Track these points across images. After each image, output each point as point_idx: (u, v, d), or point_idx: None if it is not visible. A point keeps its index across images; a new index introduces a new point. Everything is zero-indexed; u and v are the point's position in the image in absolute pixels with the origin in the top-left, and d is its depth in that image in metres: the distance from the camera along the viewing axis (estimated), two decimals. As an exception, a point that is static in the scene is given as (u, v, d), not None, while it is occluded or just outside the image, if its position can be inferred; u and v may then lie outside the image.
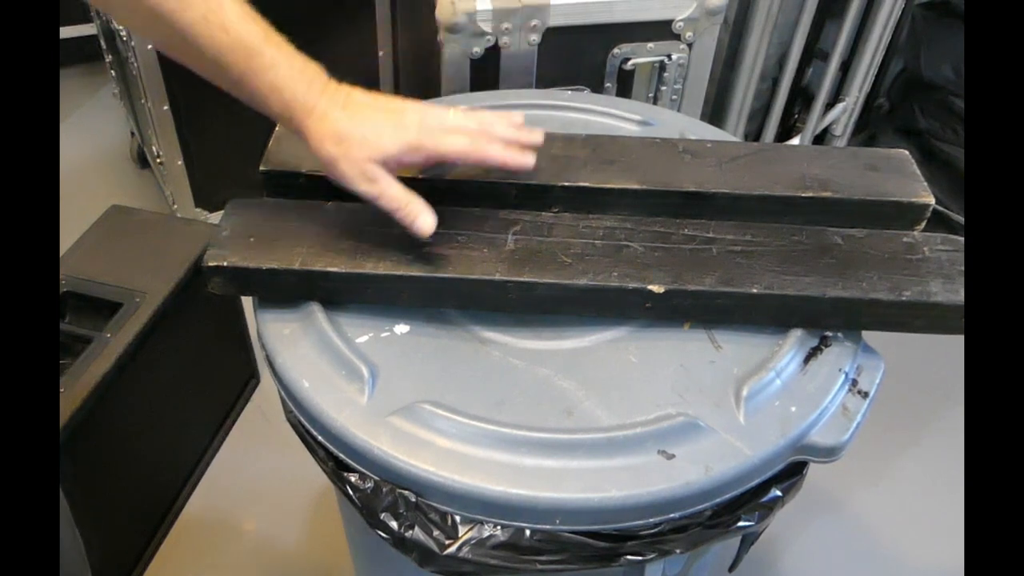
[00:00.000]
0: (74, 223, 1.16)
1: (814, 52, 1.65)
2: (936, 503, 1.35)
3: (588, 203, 0.71)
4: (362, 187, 0.62)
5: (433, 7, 1.02)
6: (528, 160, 0.66)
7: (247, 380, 1.46)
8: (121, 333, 1.07)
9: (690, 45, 1.12)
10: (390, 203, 0.62)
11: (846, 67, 1.67)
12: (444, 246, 0.66)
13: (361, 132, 0.61)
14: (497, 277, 0.63)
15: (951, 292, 0.63)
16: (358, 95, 0.64)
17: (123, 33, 1.45)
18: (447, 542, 0.57)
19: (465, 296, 0.65)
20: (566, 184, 0.71)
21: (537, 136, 0.69)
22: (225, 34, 0.59)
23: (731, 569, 0.83)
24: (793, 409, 0.61)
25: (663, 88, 1.16)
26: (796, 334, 0.65)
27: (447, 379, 0.62)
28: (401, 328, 0.66)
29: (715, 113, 1.56)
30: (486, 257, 0.65)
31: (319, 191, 0.71)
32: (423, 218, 0.62)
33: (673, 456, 0.57)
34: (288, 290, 0.66)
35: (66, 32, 2.05)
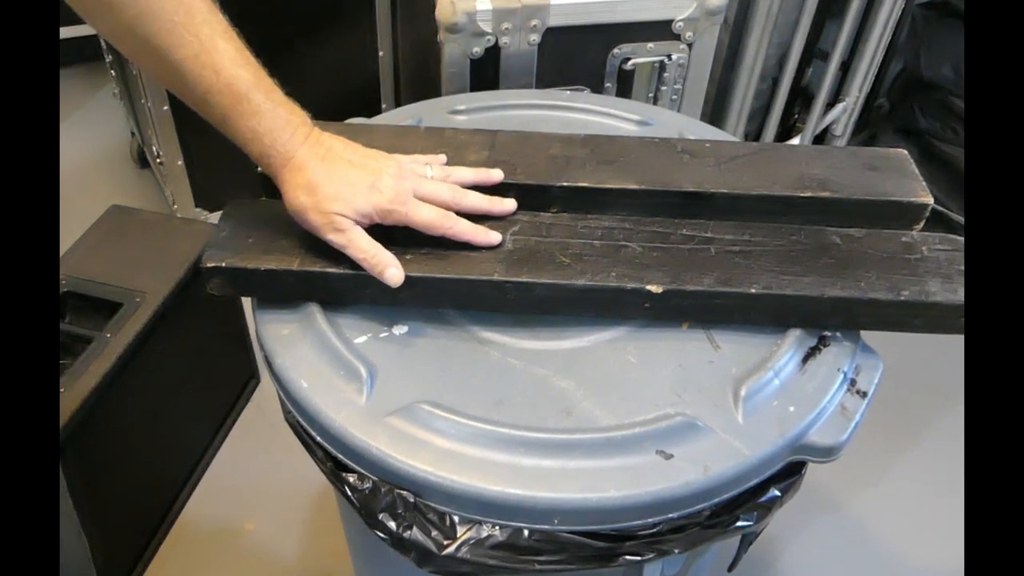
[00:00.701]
0: (74, 223, 1.16)
1: (814, 52, 1.65)
2: (936, 503, 1.35)
3: (587, 203, 0.71)
4: (329, 236, 0.63)
5: (433, 7, 1.02)
6: (493, 239, 0.66)
7: (247, 380, 1.46)
8: (121, 333, 1.07)
9: (690, 45, 1.12)
10: (356, 254, 0.63)
11: (846, 67, 1.67)
12: (443, 246, 0.66)
13: (335, 188, 0.62)
14: (495, 277, 0.63)
15: (950, 292, 0.63)
16: (339, 148, 0.64)
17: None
18: (445, 542, 0.57)
19: (463, 296, 0.65)
20: (565, 184, 0.71)
21: (509, 205, 0.69)
22: (215, 76, 0.59)
23: (730, 569, 0.83)
24: (792, 409, 0.61)
25: (663, 88, 1.16)
26: (795, 334, 0.65)
27: (446, 379, 0.62)
28: (400, 328, 0.66)
29: (715, 113, 1.56)
30: (484, 257, 0.65)
31: (318, 191, 0.71)
32: (390, 271, 0.62)
33: (671, 456, 0.57)
34: (287, 291, 0.66)
35: (66, 32, 2.04)
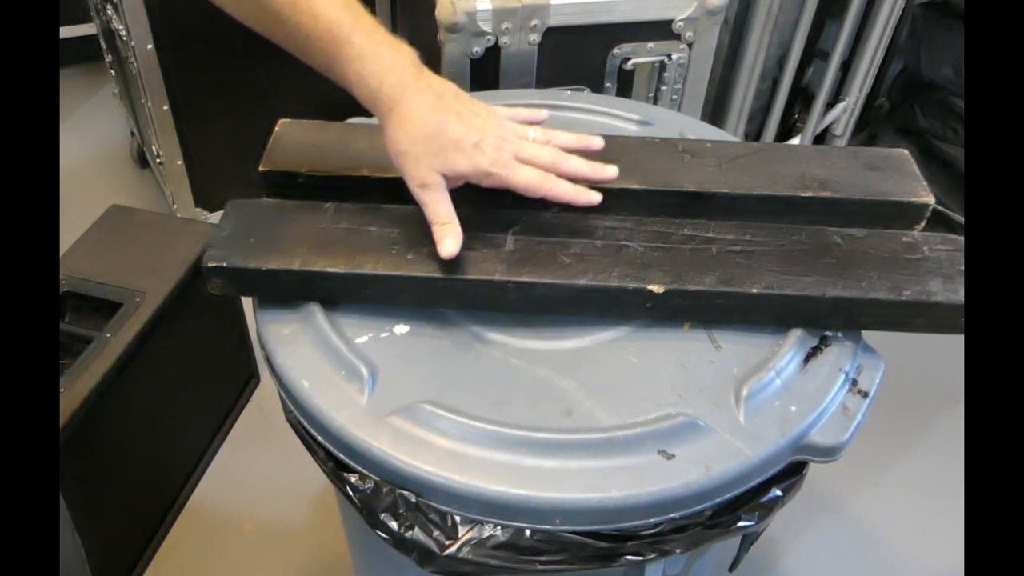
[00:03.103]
0: (74, 223, 1.16)
1: (814, 52, 1.65)
2: (936, 503, 1.35)
3: (588, 203, 0.71)
4: (415, 189, 0.63)
5: (433, 7, 1.02)
6: (594, 198, 0.66)
7: (247, 380, 1.46)
8: (121, 333, 1.07)
9: (690, 45, 1.12)
10: (432, 215, 0.63)
11: (846, 67, 1.67)
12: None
13: (437, 143, 0.61)
14: (497, 277, 0.63)
15: (951, 292, 0.63)
16: (449, 97, 0.63)
17: (123, 33, 1.45)
18: (447, 542, 0.57)
19: (465, 296, 0.65)
20: (566, 184, 0.71)
21: (611, 172, 0.68)
22: (313, 21, 0.58)
23: (731, 569, 0.83)
24: (793, 409, 0.61)
25: (663, 88, 1.16)
26: (796, 334, 0.65)
27: (447, 379, 0.62)
28: (401, 328, 0.66)
29: (715, 113, 1.56)
30: (486, 257, 0.65)
31: (319, 191, 0.71)
32: (447, 241, 0.62)
33: (673, 456, 0.57)
34: (288, 291, 0.66)
35: (66, 32, 2.05)
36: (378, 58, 0.60)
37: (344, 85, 0.62)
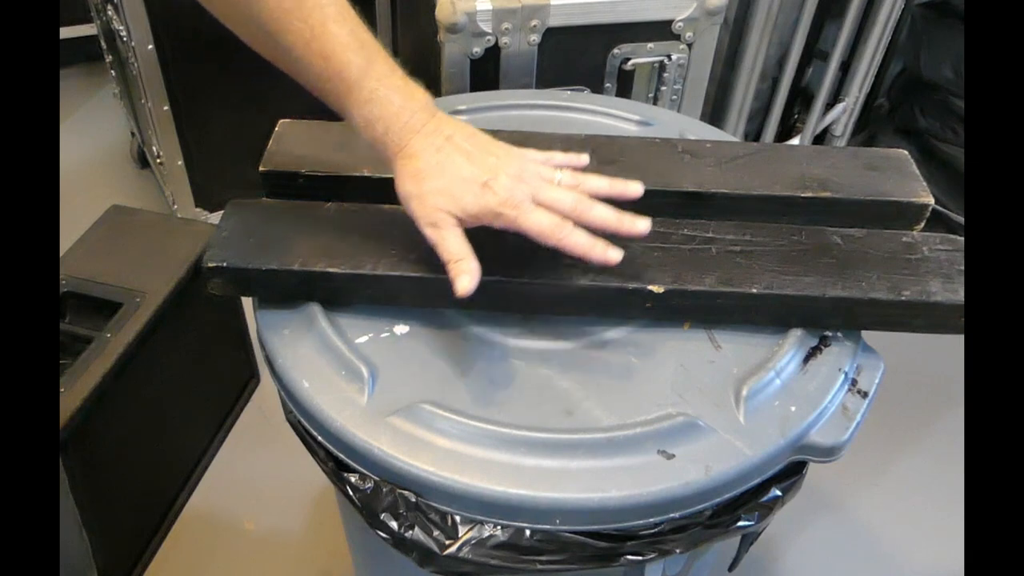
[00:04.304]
0: (74, 223, 1.16)
1: (814, 52, 1.65)
2: (936, 503, 1.35)
3: (588, 203, 0.71)
4: (425, 230, 0.60)
5: (433, 7, 1.02)
6: (612, 257, 0.59)
7: (247, 380, 1.46)
8: (121, 333, 1.07)
9: (690, 45, 1.12)
10: (444, 254, 0.59)
11: (846, 67, 1.67)
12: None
13: (443, 183, 0.59)
14: (497, 277, 0.63)
15: (950, 292, 0.63)
16: (459, 138, 0.61)
17: (123, 33, 1.46)
18: (447, 542, 0.57)
19: (465, 296, 0.65)
20: (566, 184, 0.71)
21: (642, 226, 0.61)
22: (325, 63, 0.58)
23: (731, 569, 0.83)
24: (793, 409, 0.61)
25: (663, 88, 1.16)
26: (796, 334, 0.65)
27: (447, 379, 0.62)
28: (401, 328, 0.66)
29: (715, 113, 1.56)
30: (486, 257, 0.65)
31: (319, 191, 0.71)
32: (463, 279, 0.58)
33: (673, 456, 0.57)
34: (288, 291, 0.66)
35: (66, 32, 2.05)
36: (387, 103, 0.59)
37: (354, 127, 0.61)
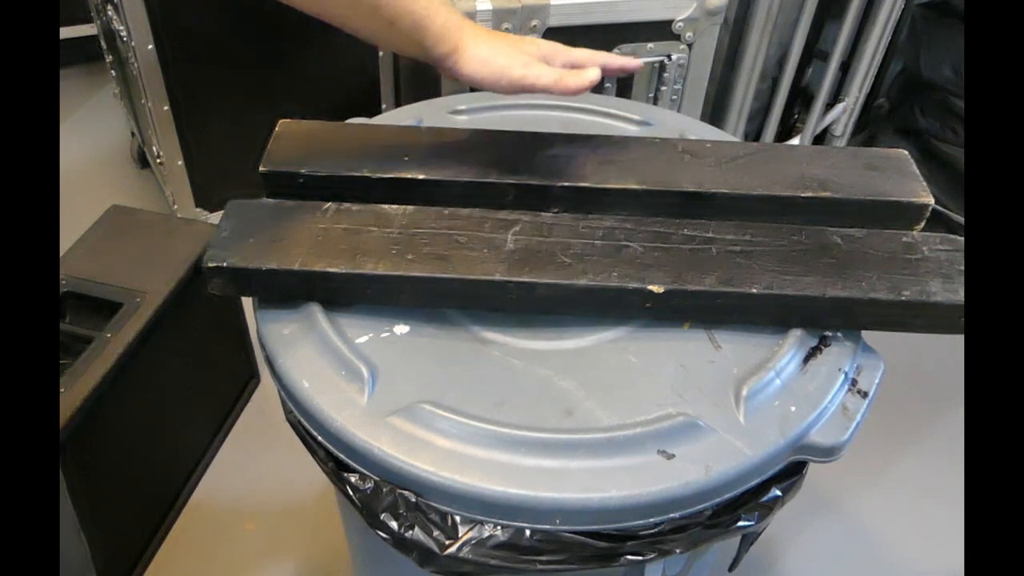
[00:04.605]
0: (74, 223, 1.16)
1: (814, 52, 1.65)
2: (936, 503, 1.35)
3: (587, 203, 0.71)
4: (521, 71, 0.68)
5: (433, 7, 1.02)
6: (638, 62, 0.74)
7: (247, 380, 1.46)
8: (121, 333, 1.07)
9: (690, 45, 1.13)
10: (550, 76, 0.68)
11: (846, 67, 1.67)
12: (444, 246, 0.66)
13: (507, 41, 0.70)
14: (497, 277, 0.63)
15: (950, 292, 0.63)
16: (484, 33, 0.70)
17: (123, 33, 1.46)
18: (447, 542, 0.57)
19: (465, 296, 0.65)
20: (565, 184, 0.71)
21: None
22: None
23: (731, 569, 0.83)
24: (793, 409, 0.61)
25: (663, 88, 1.16)
26: (796, 334, 0.65)
27: (447, 379, 0.62)
28: (401, 328, 0.66)
29: (715, 113, 1.56)
30: (486, 257, 0.65)
31: (319, 191, 0.71)
32: (587, 73, 0.68)
33: (673, 456, 0.57)
34: (288, 291, 0.66)
35: (66, 32, 2.05)
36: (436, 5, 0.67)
37: (407, 30, 0.66)
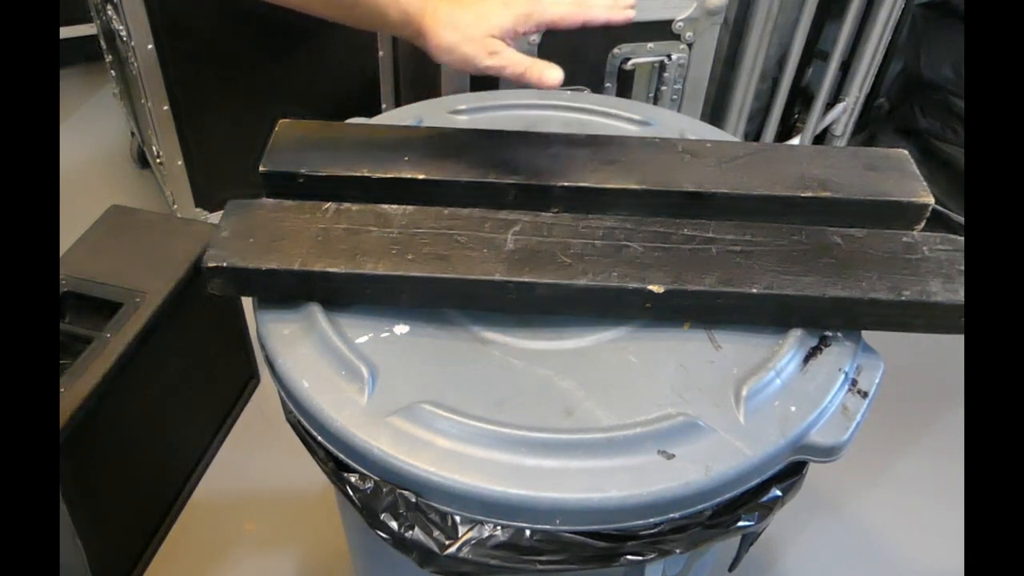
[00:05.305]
0: (74, 223, 1.16)
1: (814, 52, 1.65)
2: (936, 503, 1.35)
3: (588, 203, 0.71)
4: (487, 62, 0.65)
5: (433, 7, 1.02)
6: (629, 13, 0.68)
7: (247, 380, 1.46)
8: (121, 333, 1.07)
9: (690, 45, 1.13)
10: (515, 68, 0.66)
11: (846, 67, 1.67)
12: (444, 246, 0.66)
13: (473, 14, 0.66)
14: (497, 277, 0.63)
15: (951, 292, 0.63)
16: (445, 14, 0.67)
17: (123, 33, 1.46)
18: (447, 542, 0.57)
19: (465, 296, 0.65)
20: (566, 184, 0.71)
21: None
22: None
23: (731, 569, 0.83)
24: (793, 409, 0.61)
25: (663, 88, 1.16)
26: (796, 334, 0.65)
27: (447, 379, 0.62)
28: (401, 328, 0.66)
29: (715, 113, 1.56)
30: (486, 257, 0.65)
31: (319, 191, 0.71)
32: (549, 72, 0.65)
33: (673, 456, 0.57)
34: (288, 291, 0.66)
35: (66, 32, 2.05)
36: None
37: (374, 14, 0.66)
